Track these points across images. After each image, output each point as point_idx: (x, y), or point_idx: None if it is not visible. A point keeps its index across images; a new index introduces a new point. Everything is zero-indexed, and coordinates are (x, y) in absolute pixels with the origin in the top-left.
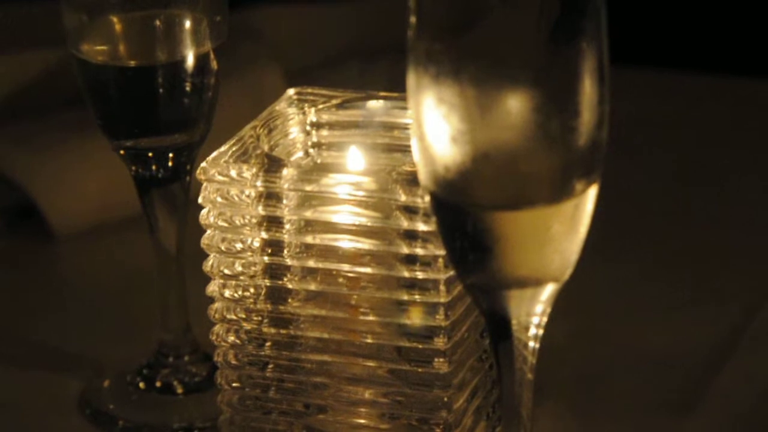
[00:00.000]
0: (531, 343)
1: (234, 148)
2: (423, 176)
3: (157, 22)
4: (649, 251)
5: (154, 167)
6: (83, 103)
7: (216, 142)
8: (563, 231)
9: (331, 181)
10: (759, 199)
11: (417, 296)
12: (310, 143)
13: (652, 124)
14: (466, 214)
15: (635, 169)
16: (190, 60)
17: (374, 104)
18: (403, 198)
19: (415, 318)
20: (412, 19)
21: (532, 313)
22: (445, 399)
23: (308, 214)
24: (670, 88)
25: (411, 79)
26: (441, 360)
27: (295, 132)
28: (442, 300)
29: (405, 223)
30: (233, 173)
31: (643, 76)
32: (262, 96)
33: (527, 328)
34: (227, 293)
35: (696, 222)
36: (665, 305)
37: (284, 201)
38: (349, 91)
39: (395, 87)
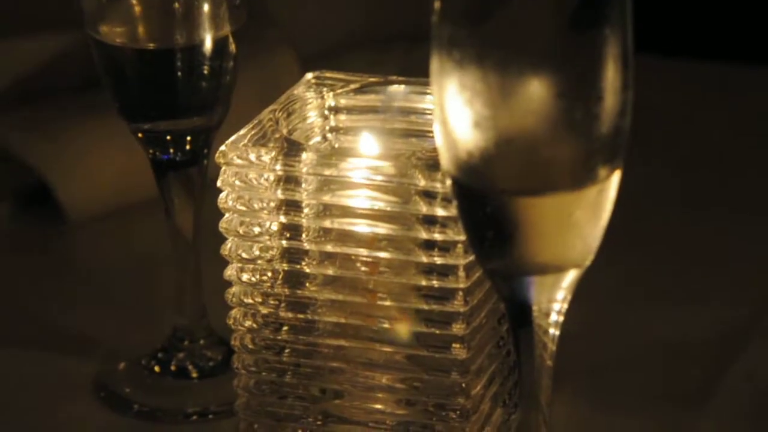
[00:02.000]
0: (551, 330)
1: (253, 132)
2: (445, 161)
3: (176, 5)
4: (662, 242)
5: (171, 150)
6: (99, 86)
7: (230, 126)
8: (586, 217)
9: (350, 165)
10: None
11: (435, 282)
12: (328, 128)
13: (667, 112)
14: (488, 200)
15: (649, 158)
16: (208, 43)
17: (393, 89)
18: (422, 183)
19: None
20: (436, 5)
21: (553, 300)
22: (463, 385)
23: (327, 198)
24: (685, 76)
25: (434, 64)
26: (459, 346)
27: (313, 116)
28: (461, 285)
29: (424, 208)
30: (252, 157)
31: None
32: (277, 81)
33: (548, 315)
34: (245, 277)
35: (709, 213)
36: (679, 296)
37: (303, 185)
38: (367, 75)
39: (408, 73)
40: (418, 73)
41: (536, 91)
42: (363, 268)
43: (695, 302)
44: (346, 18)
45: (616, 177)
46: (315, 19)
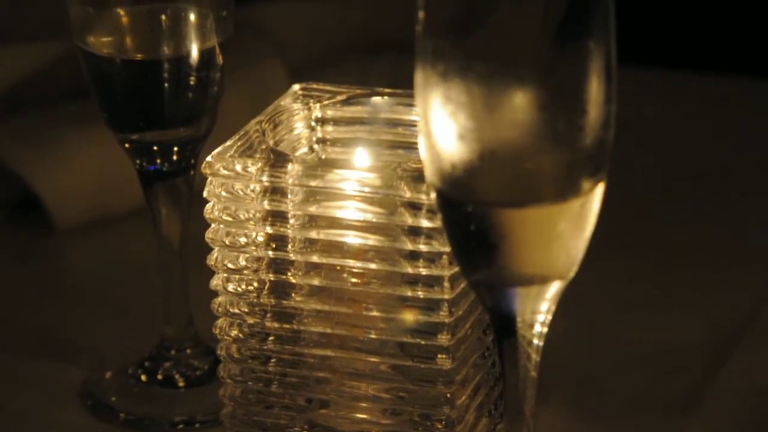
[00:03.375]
0: (535, 341)
1: (239, 143)
2: (429, 173)
3: (164, 16)
4: (649, 250)
5: (158, 161)
6: (86, 95)
7: (218, 136)
8: (569, 229)
9: (336, 176)
10: (758, 199)
11: (420, 293)
12: (314, 139)
13: (649, 124)
14: (472, 212)
15: (635, 168)
16: (195, 54)
17: (379, 100)
18: (407, 194)
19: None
20: (420, 16)
21: (538, 311)
22: (448, 395)
23: (313, 209)
24: (666, 87)
25: (418, 77)
26: (444, 356)
27: (300, 127)
28: (446, 296)
29: (409, 220)
30: (238, 168)
31: (643, 75)
32: (266, 92)
33: (532, 326)
34: (231, 287)
35: (695, 221)
36: (665, 304)
37: (289, 196)
38: (354, 87)
39: (397, 84)
40: (406, 85)
41: (520, 104)
42: (348, 279)
43: (681, 311)
44: (335, 29)
45: (599, 189)
46: (304, 31)
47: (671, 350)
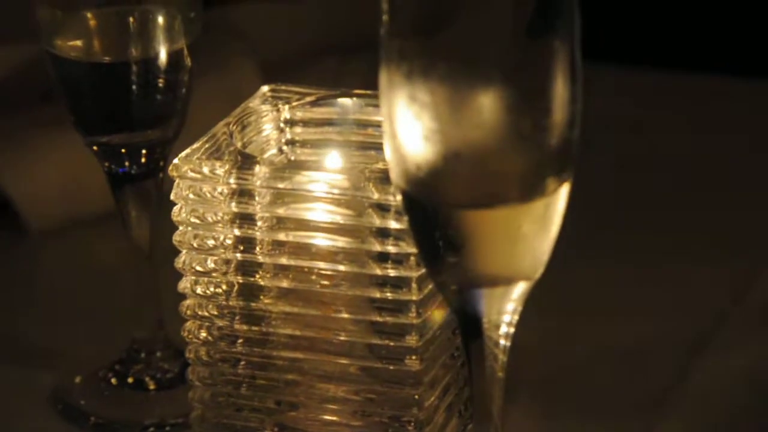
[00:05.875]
0: (502, 341)
1: (207, 145)
2: (394, 174)
3: (131, 19)
4: (623, 250)
5: (127, 163)
6: (56, 98)
7: (192, 139)
8: (534, 230)
9: (304, 178)
10: (733, 200)
11: (389, 294)
12: (284, 140)
13: (617, 122)
14: (437, 213)
15: (610, 167)
16: (163, 56)
17: (348, 102)
18: (375, 196)
19: None
20: (384, 18)
21: (503, 312)
22: (417, 396)
23: (281, 211)
24: (640, 85)
25: (383, 78)
26: (412, 358)
27: (268, 129)
28: (414, 298)
29: (377, 221)
30: (206, 170)
31: (616, 74)
32: (239, 93)
33: (498, 327)
34: (199, 290)
35: (670, 221)
36: (637, 304)
37: (257, 198)
38: (324, 88)
39: (372, 84)
40: None
41: (485, 105)
42: (317, 281)
43: (652, 310)
44: (311, 29)
45: (565, 189)
46: (279, 31)
47: (642, 349)
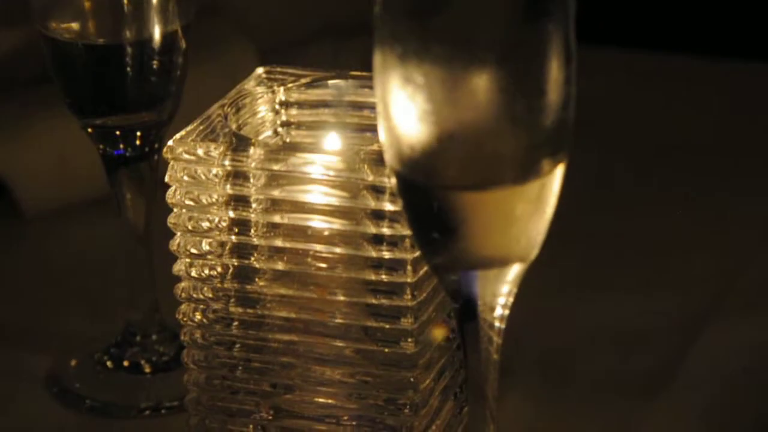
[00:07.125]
0: (497, 324)
1: (201, 127)
2: (389, 156)
3: (125, 1)
4: (615, 232)
5: (121, 146)
6: (50, 81)
7: (187, 121)
8: (529, 211)
9: (299, 160)
10: (727, 183)
11: (384, 276)
12: (279, 122)
13: (614, 104)
14: (431, 195)
15: (603, 150)
16: (157, 38)
17: (344, 83)
18: (370, 177)
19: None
20: None
21: (498, 294)
22: (412, 379)
23: (276, 193)
24: (635, 67)
25: (377, 59)
26: (408, 340)
27: (264, 111)
28: (409, 280)
29: (372, 203)
30: (200, 152)
31: (609, 55)
32: (235, 75)
33: (493, 309)
34: (194, 272)
35: (663, 203)
36: (630, 286)
37: (251, 180)
38: (319, 70)
39: (369, 65)
40: None
41: (479, 86)
42: (312, 263)
43: (647, 293)
44: (306, 10)
45: (559, 170)
46: (274, 12)
47: (637, 332)
